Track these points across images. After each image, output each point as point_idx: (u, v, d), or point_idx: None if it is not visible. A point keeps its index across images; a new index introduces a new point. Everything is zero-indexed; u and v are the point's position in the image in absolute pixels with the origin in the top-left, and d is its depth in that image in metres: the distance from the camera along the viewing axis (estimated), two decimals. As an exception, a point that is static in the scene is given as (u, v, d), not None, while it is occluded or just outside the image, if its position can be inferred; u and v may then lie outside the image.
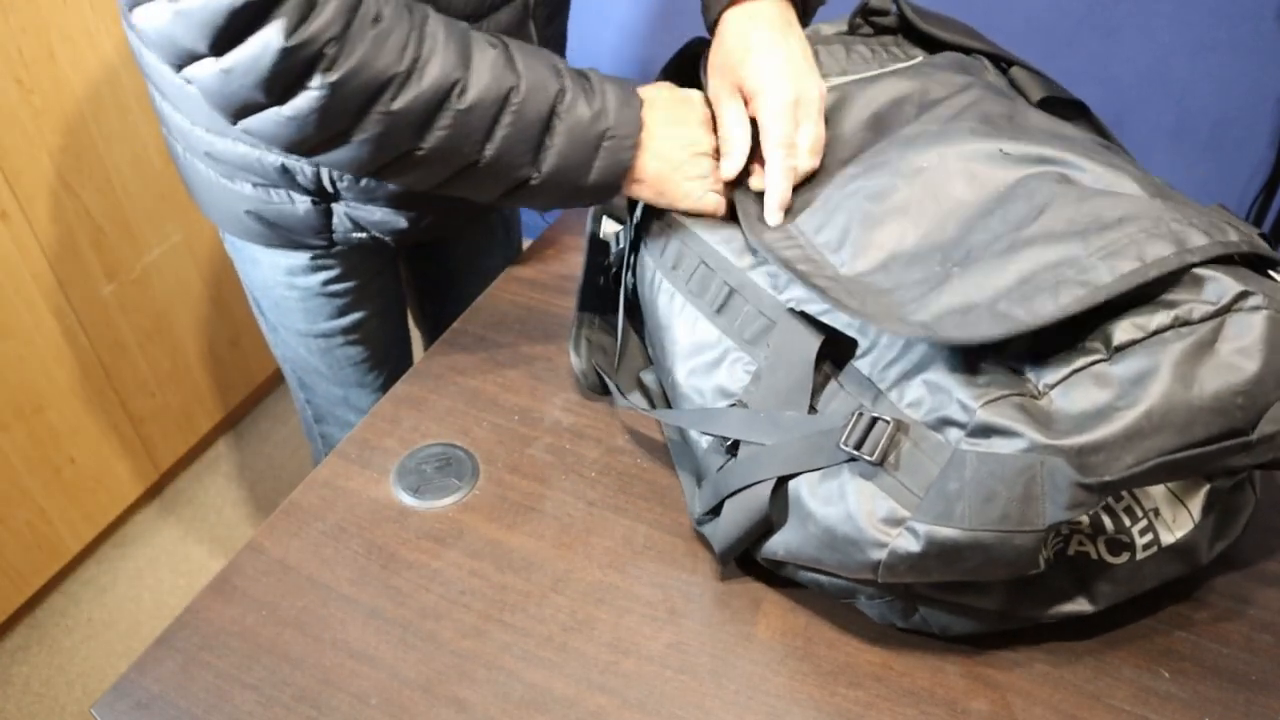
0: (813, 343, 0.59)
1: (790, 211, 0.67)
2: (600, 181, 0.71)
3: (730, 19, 0.72)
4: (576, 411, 0.78)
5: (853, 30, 0.80)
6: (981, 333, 0.51)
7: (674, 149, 0.71)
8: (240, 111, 0.64)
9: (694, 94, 0.75)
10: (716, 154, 0.72)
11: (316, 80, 0.61)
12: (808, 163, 0.69)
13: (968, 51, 0.77)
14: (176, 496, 1.80)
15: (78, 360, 1.51)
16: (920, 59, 0.76)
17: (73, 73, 1.37)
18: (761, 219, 0.67)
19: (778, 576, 0.64)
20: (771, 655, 0.61)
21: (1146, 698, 0.58)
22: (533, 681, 0.60)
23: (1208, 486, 0.57)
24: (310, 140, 0.65)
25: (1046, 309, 0.51)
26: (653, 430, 0.76)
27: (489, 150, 0.68)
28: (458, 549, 0.68)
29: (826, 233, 0.64)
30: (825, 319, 0.61)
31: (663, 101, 0.73)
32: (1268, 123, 1.56)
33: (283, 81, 0.62)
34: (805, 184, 0.69)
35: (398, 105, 0.64)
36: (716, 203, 0.72)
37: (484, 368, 0.82)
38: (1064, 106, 0.73)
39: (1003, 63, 0.76)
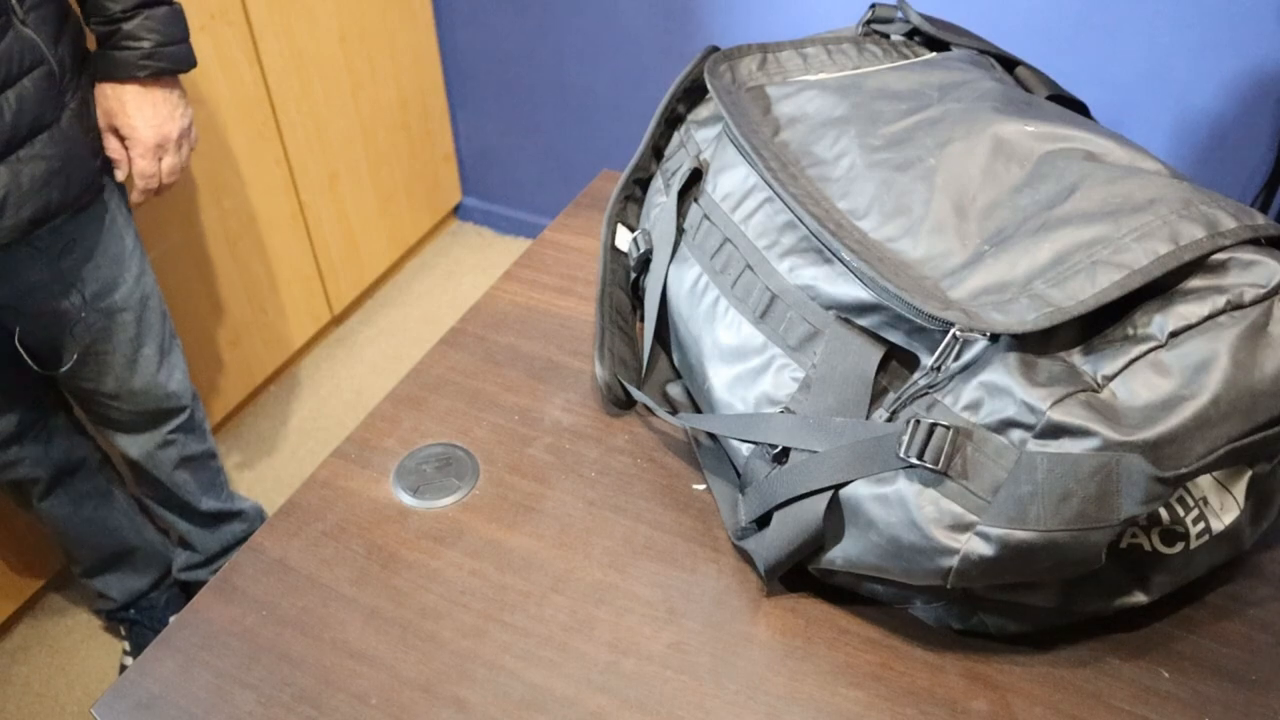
0: (871, 358, 0.58)
1: (813, 181, 0.67)
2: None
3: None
4: (576, 411, 0.78)
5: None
6: (1027, 320, 0.51)
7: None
8: None
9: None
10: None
11: None
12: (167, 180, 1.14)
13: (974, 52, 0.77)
14: (176, 496, 1.79)
15: (78, 360, 1.50)
16: (933, 55, 0.76)
17: (73, 73, 1.37)
18: (786, 170, 0.66)
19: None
20: (771, 655, 0.61)
21: (1146, 698, 0.58)
22: (533, 681, 0.60)
23: (1250, 473, 0.57)
24: None
25: (1085, 291, 0.51)
26: (653, 431, 0.76)
27: None
28: (458, 549, 0.68)
29: (852, 200, 0.63)
30: (874, 327, 0.59)
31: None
32: (1268, 123, 1.56)
33: None
34: (830, 158, 0.68)
35: None
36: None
37: (484, 368, 0.82)
38: (1066, 106, 0.73)
39: (1007, 64, 0.77)
